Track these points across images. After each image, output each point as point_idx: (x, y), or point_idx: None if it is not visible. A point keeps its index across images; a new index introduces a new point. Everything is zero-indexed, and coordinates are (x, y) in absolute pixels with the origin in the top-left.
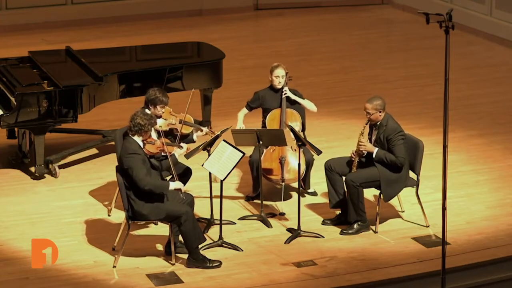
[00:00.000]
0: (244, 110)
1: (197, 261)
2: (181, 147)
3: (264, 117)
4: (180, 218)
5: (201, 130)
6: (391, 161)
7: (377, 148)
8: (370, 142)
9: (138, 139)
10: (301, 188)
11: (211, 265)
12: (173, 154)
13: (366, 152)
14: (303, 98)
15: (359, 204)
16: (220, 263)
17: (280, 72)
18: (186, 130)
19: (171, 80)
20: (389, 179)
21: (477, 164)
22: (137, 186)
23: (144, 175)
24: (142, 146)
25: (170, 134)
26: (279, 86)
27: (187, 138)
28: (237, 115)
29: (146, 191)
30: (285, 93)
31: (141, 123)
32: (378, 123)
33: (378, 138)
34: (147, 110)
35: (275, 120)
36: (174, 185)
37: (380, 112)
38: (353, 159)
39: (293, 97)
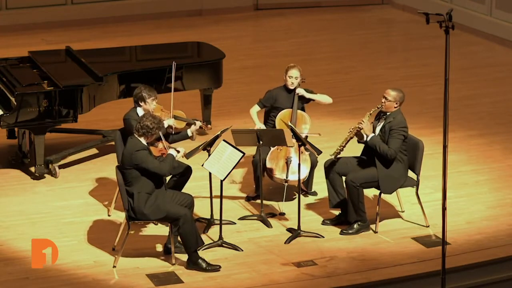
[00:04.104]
0: (256, 107)
1: (195, 264)
2: (178, 151)
3: (274, 115)
4: (178, 220)
5: (195, 124)
6: (383, 151)
7: (373, 134)
8: (373, 129)
9: (143, 140)
10: (303, 190)
11: (209, 268)
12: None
13: (362, 133)
14: (315, 94)
15: (359, 204)
16: (219, 267)
17: (294, 73)
18: (179, 125)
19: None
20: (387, 174)
21: (477, 164)
22: (153, 177)
23: (159, 163)
24: (148, 147)
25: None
26: (292, 87)
27: (180, 134)
28: (249, 112)
29: (160, 179)
30: (299, 93)
31: (149, 126)
32: (387, 113)
33: (383, 127)
34: (138, 109)
35: (285, 120)
36: (174, 153)
37: (396, 103)
38: (348, 136)
39: (307, 95)
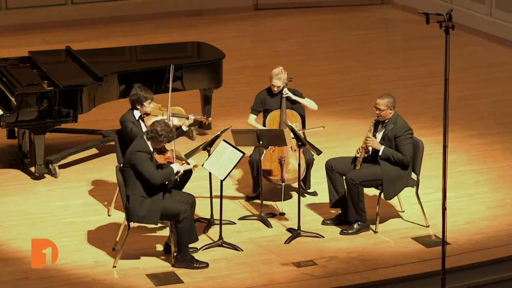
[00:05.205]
0: (253, 116)
1: (185, 260)
2: (189, 163)
3: (265, 117)
4: (179, 215)
5: (188, 119)
6: (398, 160)
7: (383, 146)
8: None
9: (150, 144)
10: (301, 189)
11: (198, 265)
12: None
13: (372, 149)
14: (303, 97)
15: (359, 203)
16: (207, 264)
17: (276, 83)
18: (180, 122)
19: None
20: (392, 178)
21: (477, 164)
22: (146, 182)
23: (154, 171)
24: (152, 151)
25: None
26: (275, 93)
27: (177, 131)
28: (248, 123)
29: (157, 185)
30: (286, 94)
31: (159, 132)
32: (386, 121)
33: (385, 135)
34: (135, 112)
35: (275, 121)
36: (176, 167)
37: (390, 109)
38: (358, 155)
39: (293, 97)
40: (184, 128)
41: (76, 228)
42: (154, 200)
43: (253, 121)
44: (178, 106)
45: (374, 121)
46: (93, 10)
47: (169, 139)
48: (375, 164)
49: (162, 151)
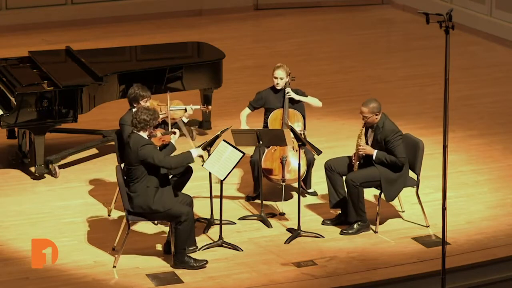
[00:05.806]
0: (247, 110)
1: (182, 262)
2: (174, 132)
3: (266, 116)
4: (180, 217)
5: (186, 110)
6: (391, 162)
7: (376, 150)
8: (366, 143)
9: (143, 134)
10: (301, 189)
11: (196, 264)
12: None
13: (365, 154)
14: (306, 96)
15: (359, 204)
16: (206, 261)
17: (279, 73)
18: (181, 114)
19: (171, 80)
20: (390, 179)
21: (477, 164)
22: (159, 173)
23: (164, 157)
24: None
25: (164, 123)
26: (278, 88)
27: (176, 124)
28: (240, 115)
29: (166, 178)
30: (288, 94)
31: (146, 119)
32: (374, 125)
33: (375, 140)
34: (134, 110)
35: (277, 120)
36: (197, 152)
37: (376, 114)
38: (353, 162)
39: (296, 97)
40: (185, 119)
41: (76, 228)
42: (163, 191)
43: (245, 115)
44: (176, 100)
45: (362, 128)
46: (93, 10)
47: (156, 119)
48: (373, 165)
49: (153, 135)
